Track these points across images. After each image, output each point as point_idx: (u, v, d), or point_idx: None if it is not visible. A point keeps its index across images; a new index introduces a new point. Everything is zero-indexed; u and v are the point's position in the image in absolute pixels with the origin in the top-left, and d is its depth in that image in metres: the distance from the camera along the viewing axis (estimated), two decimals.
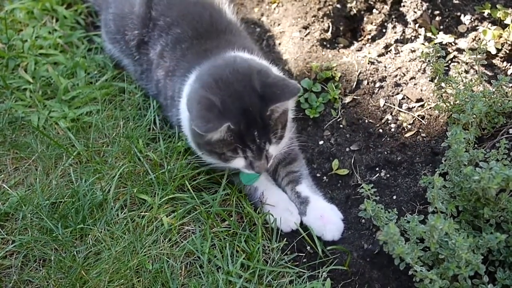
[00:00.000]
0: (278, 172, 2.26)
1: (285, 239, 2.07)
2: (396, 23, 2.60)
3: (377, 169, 2.20)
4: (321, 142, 2.35)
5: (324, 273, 1.96)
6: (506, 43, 2.27)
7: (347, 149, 2.30)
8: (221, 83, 1.95)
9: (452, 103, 2.13)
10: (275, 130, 1.97)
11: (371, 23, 2.70)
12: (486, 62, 2.23)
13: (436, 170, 1.96)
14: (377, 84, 2.42)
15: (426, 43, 2.44)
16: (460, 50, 2.38)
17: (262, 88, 1.93)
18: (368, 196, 1.89)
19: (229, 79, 1.96)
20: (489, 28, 2.31)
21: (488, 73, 2.25)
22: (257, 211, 2.12)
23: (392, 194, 2.10)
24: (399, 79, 2.40)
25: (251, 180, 2.16)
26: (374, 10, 2.72)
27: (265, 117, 1.92)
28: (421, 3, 2.53)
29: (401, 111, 2.30)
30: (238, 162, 2.01)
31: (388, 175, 2.17)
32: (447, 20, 2.49)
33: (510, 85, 2.12)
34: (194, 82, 2.06)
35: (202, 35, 2.36)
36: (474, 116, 1.97)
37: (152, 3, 2.51)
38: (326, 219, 2.07)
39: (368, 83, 2.44)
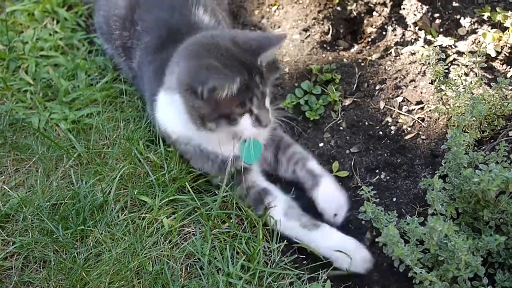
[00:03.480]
0: (280, 161, 2.25)
1: (285, 240, 2.07)
2: (396, 26, 2.60)
3: (377, 171, 2.21)
4: (321, 144, 2.35)
5: (324, 275, 1.96)
6: (506, 46, 2.28)
7: (347, 151, 2.30)
8: (209, 48, 1.97)
9: (452, 105, 2.14)
10: (268, 78, 2.02)
11: (371, 26, 2.71)
12: (485, 65, 2.24)
13: (436, 172, 1.96)
14: (377, 87, 2.43)
15: (426, 46, 2.44)
16: (460, 53, 2.38)
17: (246, 43, 1.99)
18: (368, 198, 1.90)
19: (213, 44, 1.99)
20: (489, 31, 2.31)
21: (487, 75, 2.26)
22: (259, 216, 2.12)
23: (392, 196, 2.10)
24: (399, 81, 2.41)
25: (252, 158, 2.13)
26: (374, 13, 2.73)
27: (258, 66, 1.97)
28: (421, 6, 2.54)
29: (401, 114, 2.31)
30: (245, 122, 1.99)
31: (388, 177, 2.17)
32: (447, 23, 2.50)
33: (510, 87, 2.12)
34: (177, 64, 2.05)
35: (165, 44, 2.31)
36: (474, 118, 1.98)
37: (136, 5, 2.48)
38: (336, 201, 2.10)
39: (368, 86, 2.45)
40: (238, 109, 1.96)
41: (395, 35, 2.58)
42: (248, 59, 1.96)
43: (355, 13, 2.78)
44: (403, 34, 2.56)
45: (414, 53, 2.46)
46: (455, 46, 2.41)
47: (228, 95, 1.89)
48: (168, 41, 2.28)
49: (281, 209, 2.08)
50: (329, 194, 2.11)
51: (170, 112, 2.15)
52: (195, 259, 2.01)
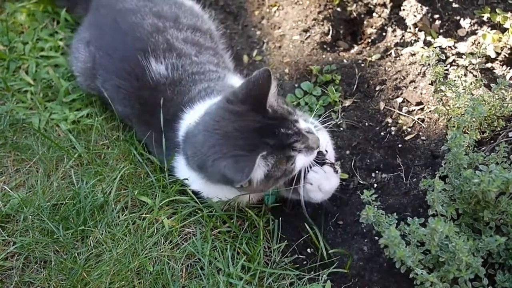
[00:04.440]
0: None
1: (285, 240, 2.07)
2: (396, 27, 2.61)
3: (377, 172, 2.21)
4: None
5: (324, 276, 1.96)
6: (506, 47, 2.28)
7: (347, 152, 2.30)
8: (222, 143, 1.88)
9: (451, 106, 2.14)
10: (288, 111, 1.95)
11: (371, 27, 2.71)
12: (485, 66, 2.25)
13: (436, 173, 1.97)
14: (377, 87, 2.43)
15: (426, 47, 2.45)
16: (459, 54, 2.39)
17: (243, 101, 1.91)
18: (369, 201, 1.89)
19: (222, 132, 1.90)
20: (489, 32, 2.32)
21: (487, 77, 2.26)
22: (259, 215, 2.12)
23: (392, 197, 2.10)
24: (399, 82, 2.41)
25: (272, 198, 2.13)
26: (374, 14, 2.73)
27: (272, 117, 1.90)
28: (420, 7, 2.54)
29: (401, 114, 2.31)
30: (300, 161, 1.93)
31: (388, 178, 2.17)
32: (446, 24, 2.50)
33: (510, 89, 2.13)
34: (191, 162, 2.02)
35: (144, 120, 2.26)
36: (474, 119, 1.98)
37: (94, 73, 2.43)
38: None
39: (368, 86, 2.45)
40: (288, 164, 1.91)
41: (395, 36, 2.59)
42: (263, 122, 1.88)
43: (355, 14, 2.78)
44: (403, 35, 2.57)
45: (414, 54, 2.46)
46: (455, 47, 2.42)
47: (267, 168, 1.86)
48: (145, 115, 2.25)
49: None
50: None
51: (206, 185, 2.07)
52: (196, 259, 2.02)
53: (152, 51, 2.27)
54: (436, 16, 2.53)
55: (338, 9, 2.79)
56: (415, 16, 2.55)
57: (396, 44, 2.56)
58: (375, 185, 2.17)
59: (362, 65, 2.52)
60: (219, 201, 2.09)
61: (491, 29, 2.37)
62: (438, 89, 2.17)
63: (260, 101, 1.88)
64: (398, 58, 2.50)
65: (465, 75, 2.26)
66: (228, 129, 1.89)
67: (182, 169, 2.13)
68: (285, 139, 1.88)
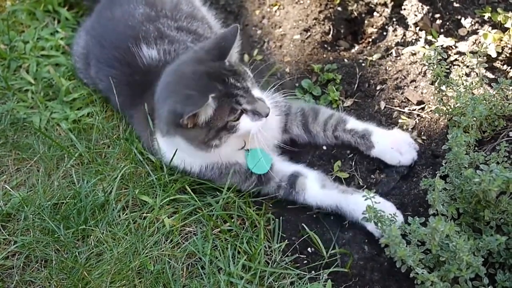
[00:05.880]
0: (313, 131, 2.27)
1: (286, 240, 2.07)
2: (397, 26, 2.61)
3: (377, 171, 2.21)
4: (324, 147, 2.34)
5: (325, 275, 1.96)
6: (507, 46, 2.28)
7: (348, 152, 2.30)
8: (177, 81, 2.02)
9: (452, 106, 2.14)
10: (244, 71, 2.05)
11: (372, 26, 2.71)
12: (486, 65, 2.24)
13: (436, 172, 1.97)
14: (378, 87, 2.43)
15: (427, 46, 2.45)
16: (460, 53, 2.39)
17: (208, 50, 2.05)
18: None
19: (178, 76, 2.05)
20: (490, 32, 2.32)
21: (488, 76, 2.26)
22: (259, 214, 2.12)
23: (392, 197, 2.10)
24: (400, 82, 2.41)
25: (262, 167, 2.14)
26: (375, 13, 2.73)
27: (228, 68, 2.01)
28: (421, 6, 2.54)
29: (402, 114, 2.31)
30: (245, 123, 1.99)
31: (388, 178, 2.17)
32: (447, 23, 2.50)
33: (511, 88, 2.13)
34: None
35: (135, 102, 2.32)
36: (475, 119, 1.98)
37: (88, 63, 2.52)
38: (397, 144, 2.14)
39: (369, 86, 2.45)
40: (230, 116, 1.96)
41: (395, 35, 2.59)
42: (216, 69, 1.99)
43: (355, 14, 2.78)
44: (404, 35, 2.57)
45: (414, 54, 2.46)
46: (456, 47, 2.41)
47: (210, 112, 1.92)
48: (136, 98, 2.30)
49: (316, 183, 2.13)
50: (389, 149, 2.16)
51: (185, 153, 2.13)
52: (196, 258, 2.02)
53: (143, 38, 2.34)
54: (437, 15, 2.52)
55: (339, 8, 2.78)
56: (416, 15, 2.55)
57: (397, 44, 2.56)
58: (375, 184, 2.17)
59: (363, 64, 2.52)
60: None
61: (492, 29, 2.37)
62: (439, 88, 2.17)
63: (222, 52, 2.02)
64: (399, 58, 2.50)
65: (466, 74, 2.26)
66: (185, 71, 2.03)
67: (162, 142, 2.17)
68: (232, 89, 1.97)
